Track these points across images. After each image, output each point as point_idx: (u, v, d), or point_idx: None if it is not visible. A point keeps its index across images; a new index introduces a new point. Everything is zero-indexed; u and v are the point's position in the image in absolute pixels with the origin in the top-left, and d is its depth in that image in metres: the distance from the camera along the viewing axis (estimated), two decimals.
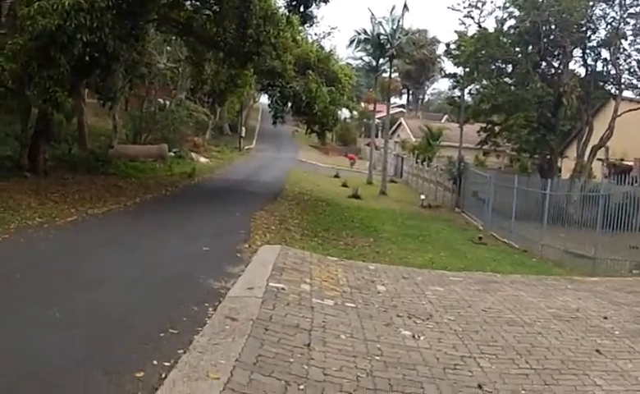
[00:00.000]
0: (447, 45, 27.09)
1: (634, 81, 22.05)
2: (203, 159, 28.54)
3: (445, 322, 5.39)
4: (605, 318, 5.97)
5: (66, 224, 9.64)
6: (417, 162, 32.14)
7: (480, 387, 3.79)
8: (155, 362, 3.85)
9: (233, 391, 3.37)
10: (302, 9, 16.85)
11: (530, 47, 22.56)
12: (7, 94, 14.35)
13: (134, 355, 3.96)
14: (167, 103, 28.42)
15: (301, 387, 3.59)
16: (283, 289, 5.83)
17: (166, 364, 3.77)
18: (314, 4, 16.84)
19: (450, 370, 4.16)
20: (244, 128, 43.18)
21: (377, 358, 4.26)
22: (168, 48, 23.79)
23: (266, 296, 5.45)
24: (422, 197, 23.64)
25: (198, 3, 17.15)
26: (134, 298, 5.62)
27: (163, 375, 3.60)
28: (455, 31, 27.07)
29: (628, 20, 20.88)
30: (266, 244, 9.06)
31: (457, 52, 25.43)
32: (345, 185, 26.08)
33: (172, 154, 24.96)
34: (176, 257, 7.95)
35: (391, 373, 4.01)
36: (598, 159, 21.65)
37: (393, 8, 34.96)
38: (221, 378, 3.47)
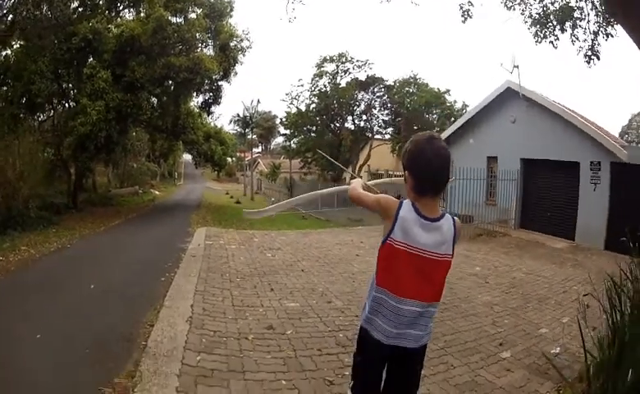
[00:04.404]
0: (281, 119, 38.78)
1: (381, 130, 34.74)
2: (157, 192, 36.55)
3: (286, 250, 8.27)
4: (362, 242, 9.40)
5: (102, 231, 13.35)
6: (268, 182, 44.69)
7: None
8: (170, 263, 6.75)
9: (200, 277, 6.01)
10: (207, 108, 23.67)
11: (324, 116, 32.49)
12: (60, 167, 19.44)
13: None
14: (134, 164, 36.25)
15: (226, 275, 6.48)
16: (212, 243, 8.66)
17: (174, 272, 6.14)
18: (213, 106, 23.76)
19: (288, 265, 7.34)
20: (176, 173, 61.25)
21: (258, 263, 7.15)
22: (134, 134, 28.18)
23: (205, 246, 8.32)
24: (273, 199, 29.99)
25: (155, 113, 21.76)
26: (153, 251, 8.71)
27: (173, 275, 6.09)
28: (285, 111, 38.14)
29: (376, 98, 33.52)
30: (199, 227, 12.38)
31: (286, 123, 35.45)
32: (232, 197, 35.67)
33: (141, 191, 32.86)
34: (163, 232, 12.14)
35: (265, 268, 7.15)
36: (365, 172, 31.10)
37: (252, 101, 51.23)
38: (193, 275, 6.18)
